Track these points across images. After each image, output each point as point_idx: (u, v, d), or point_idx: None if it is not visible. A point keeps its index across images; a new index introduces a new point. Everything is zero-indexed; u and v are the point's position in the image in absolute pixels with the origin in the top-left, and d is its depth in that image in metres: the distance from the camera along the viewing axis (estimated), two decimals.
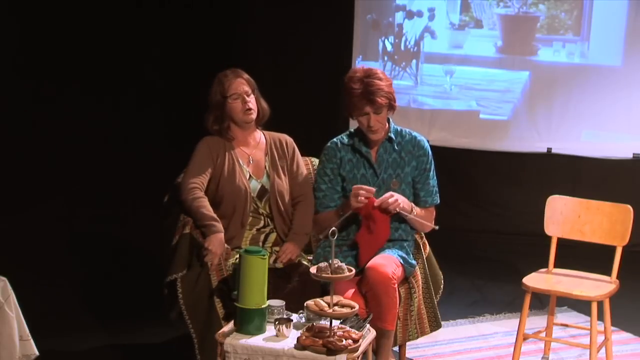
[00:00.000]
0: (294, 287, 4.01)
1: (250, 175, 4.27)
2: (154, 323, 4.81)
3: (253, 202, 4.23)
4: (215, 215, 4.12)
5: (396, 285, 4.01)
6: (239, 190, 4.21)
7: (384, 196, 4.06)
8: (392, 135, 4.22)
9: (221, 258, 4.06)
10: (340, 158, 4.24)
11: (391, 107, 4.15)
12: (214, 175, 4.23)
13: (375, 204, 4.04)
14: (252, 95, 4.28)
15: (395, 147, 4.21)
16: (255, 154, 4.33)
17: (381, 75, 4.14)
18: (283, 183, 4.30)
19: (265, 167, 4.31)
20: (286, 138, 4.43)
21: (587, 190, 5.99)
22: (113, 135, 7.38)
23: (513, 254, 6.52)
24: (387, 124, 4.23)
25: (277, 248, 4.23)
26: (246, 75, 4.32)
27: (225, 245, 4.10)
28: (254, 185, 4.26)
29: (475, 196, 7.28)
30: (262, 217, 4.27)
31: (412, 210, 4.17)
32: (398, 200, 4.07)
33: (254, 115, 4.28)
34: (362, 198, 4.02)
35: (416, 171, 4.23)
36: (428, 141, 4.35)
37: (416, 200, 4.25)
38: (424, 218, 4.23)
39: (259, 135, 4.38)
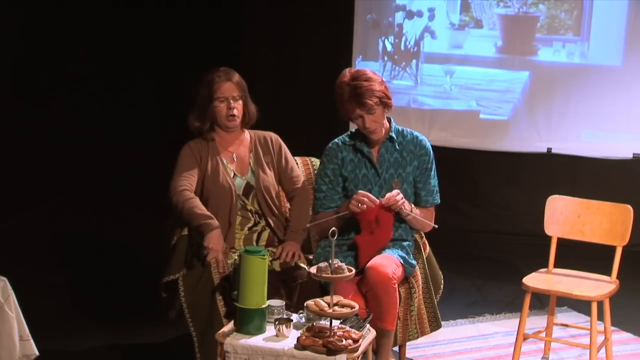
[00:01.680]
0: (292, 293, 4.01)
1: (234, 173, 4.26)
2: (154, 323, 4.81)
3: (239, 199, 4.23)
4: (209, 213, 4.12)
5: (396, 285, 4.01)
6: (223, 188, 4.20)
7: (390, 194, 4.06)
8: (394, 135, 4.21)
9: (223, 254, 4.05)
10: (341, 158, 4.24)
11: (385, 104, 4.13)
12: (199, 177, 4.23)
13: (383, 202, 4.03)
14: (239, 101, 4.26)
15: (397, 146, 4.21)
16: (239, 151, 4.32)
17: (370, 75, 4.12)
18: (269, 178, 4.30)
19: (250, 164, 4.30)
20: (271, 135, 4.43)
21: (587, 190, 5.99)
22: (113, 135, 7.39)
23: (513, 254, 6.52)
24: (387, 123, 4.23)
25: (273, 249, 4.22)
26: (237, 78, 4.28)
27: (225, 244, 4.11)
28: (239, 183, 4.25)
29: (475, 196, 7.28)
30: (251, 214, 4.26)
31: (411, 210, 4.17)
32: (403, 199, 4.08)
33: (237, 122, 4.27)
34: (364, 206, 4.02)
35: (417, 171, 4.23)
36: (428, 141, 4.35)
37: (417, 199, 4.26)
38: (423, 218, 4.24)
39: (244, 134, 4.38)
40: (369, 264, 4.02)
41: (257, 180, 4.27)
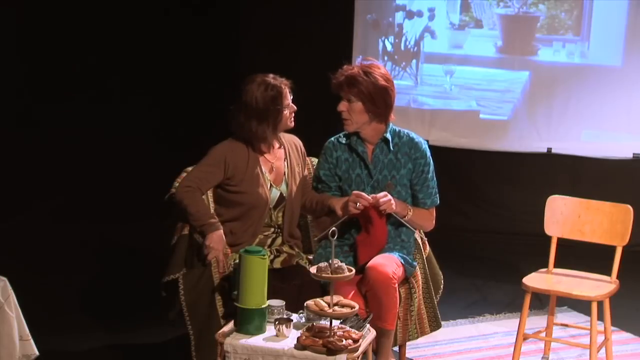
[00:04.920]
0: (292, 290, 4.00)
1: (271, 184, 4.23)
2: (154, 323, 4.81)
3: (269, 212, 4.21)
4: (212, 213, 4.11)
5: (396, 285, 4.01)
6: (260, 199, 4.16)
7: (377, 195, 4.04)
8: (389, 136, 4.19)
9: (223, 254, 4.05)
10: (336, 158, 4.23)
11: (368, 109, 4.08)
12: (234, 182, 4.15)
13: (371, 202, 4.01)
14: None
15: (392, 148, 4.19)
16: (277, 160, 4.28)
17: (377, 76, 4.07)
18: (298, 191, 4.28)
19: (285, 174, 4.27)
20: (297, 140, 4.42)
21: (587, 190, 5.99)
22: (113, 135, 7.38)
23: (513, 254, 6.52)
24: (383, 126, 4.19)
25: (276, 247, 4.22)
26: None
27: (226, 246, 4.10)
28: (274, 194, 4.22)
29: (475, 196, 7.28)
30: (274, 228, 4.25)
31: (407, 213, 4.15)
32: (391, 200, 4.05)
33: None
34: (360, 206, 4.01)
35: (413, 173, 4.19)
36: (428, 142, 4.33)
37: (415, 201, 4.23)
38: (422, 219, 4.22)
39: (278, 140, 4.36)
40: (370, 263, 4.01)
41: (289, 193, 4.24)
